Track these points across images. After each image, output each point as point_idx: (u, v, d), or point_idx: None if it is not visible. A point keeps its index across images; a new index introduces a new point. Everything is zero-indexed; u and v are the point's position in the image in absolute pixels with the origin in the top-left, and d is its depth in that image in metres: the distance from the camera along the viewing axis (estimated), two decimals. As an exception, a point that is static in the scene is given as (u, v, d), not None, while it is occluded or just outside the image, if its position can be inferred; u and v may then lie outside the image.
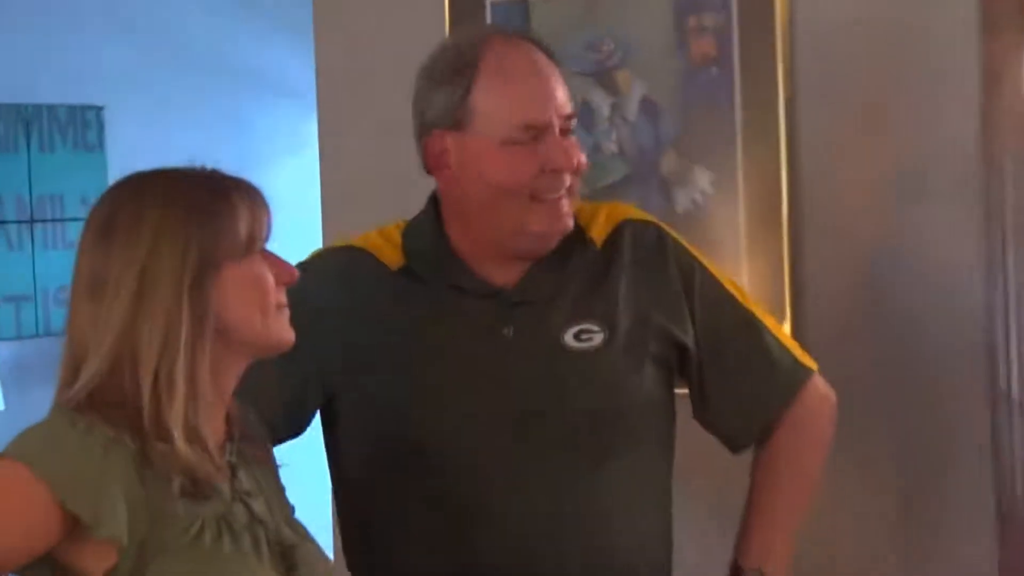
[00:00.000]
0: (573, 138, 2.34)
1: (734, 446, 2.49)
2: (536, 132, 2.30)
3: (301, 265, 2.27)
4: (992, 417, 2.78)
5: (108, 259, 2.01)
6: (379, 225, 2.47)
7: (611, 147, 3.05)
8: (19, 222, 5.64)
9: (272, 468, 2.21)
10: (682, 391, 2.45)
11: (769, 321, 2.49)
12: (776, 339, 2.47)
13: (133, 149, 5.74)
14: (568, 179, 2.32)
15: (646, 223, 2.46)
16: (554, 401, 2.32)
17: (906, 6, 2.87)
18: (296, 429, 2.40)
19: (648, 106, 3.06)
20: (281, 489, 2.20)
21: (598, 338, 2.36)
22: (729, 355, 2.45)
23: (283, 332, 2.08)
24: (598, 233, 2.42)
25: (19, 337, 5.76)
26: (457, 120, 2.30)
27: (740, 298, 2.49)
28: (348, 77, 3.34)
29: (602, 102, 3.06)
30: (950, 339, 2.82)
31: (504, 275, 2.36)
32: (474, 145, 2.29)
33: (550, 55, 2.36)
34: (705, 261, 2.48)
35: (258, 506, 2.08)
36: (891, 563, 2.87)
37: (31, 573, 1.95)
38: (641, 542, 2.37)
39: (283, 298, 2.08)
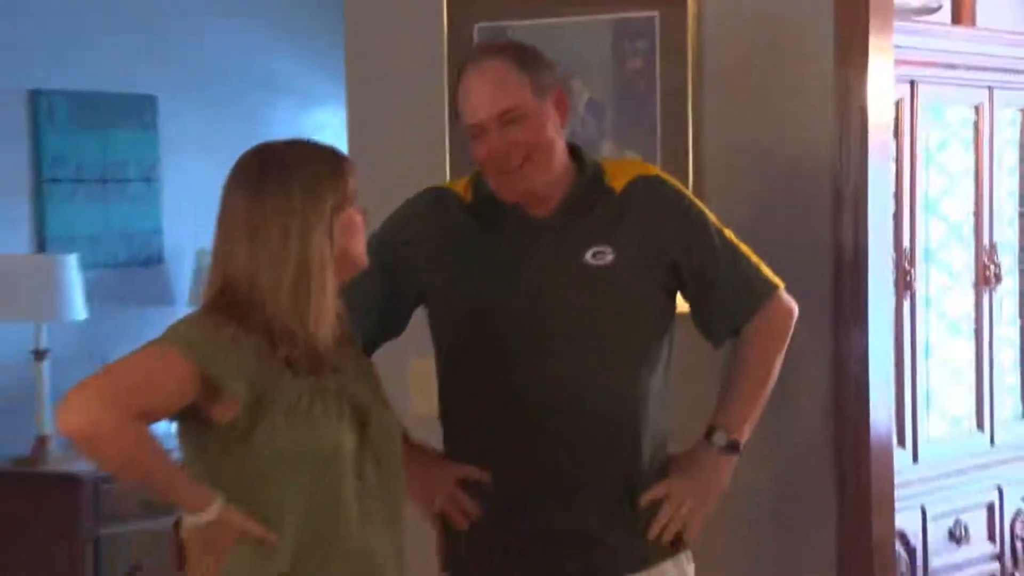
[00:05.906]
0: (515, 127, 2.52)
1: (716, 341, 2.72)
2: (476, 130, 2.55)
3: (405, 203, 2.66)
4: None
5: (264, 210, 2.20)
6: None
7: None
8: (102, 181, 5.87)
9: (359, 354, 2.42)
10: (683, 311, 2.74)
11: (744, 248, 2.72)
12: (750, 261, 2.70)
13: (181, 131, 6.04)
14: (513, 158, 2.52)
15: (655, 176, 2.68)
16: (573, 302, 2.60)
17: (776, 61, 3.22)
18: (393, 327, 2.72)
19: (593, 105, 3.37)
20: (366, 369, 2.40)
21: (610, 257, 2.59)
22: (717, 273, 2.66)
23: (365, 258, 2.33)
24: (617, 183, 2.63)
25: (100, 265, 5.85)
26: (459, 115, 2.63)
27: (721, 229, 2.71)
28: (372, 85, 3.60)
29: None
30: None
31: (542, 211, 2.62)
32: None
33: (520, 59, 2.55)
34: (696, 201, 2.72)
35: (345, 377, 2.31)
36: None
37: (181, 420, 2.22)
38: (622, 404, 2.63)
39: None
